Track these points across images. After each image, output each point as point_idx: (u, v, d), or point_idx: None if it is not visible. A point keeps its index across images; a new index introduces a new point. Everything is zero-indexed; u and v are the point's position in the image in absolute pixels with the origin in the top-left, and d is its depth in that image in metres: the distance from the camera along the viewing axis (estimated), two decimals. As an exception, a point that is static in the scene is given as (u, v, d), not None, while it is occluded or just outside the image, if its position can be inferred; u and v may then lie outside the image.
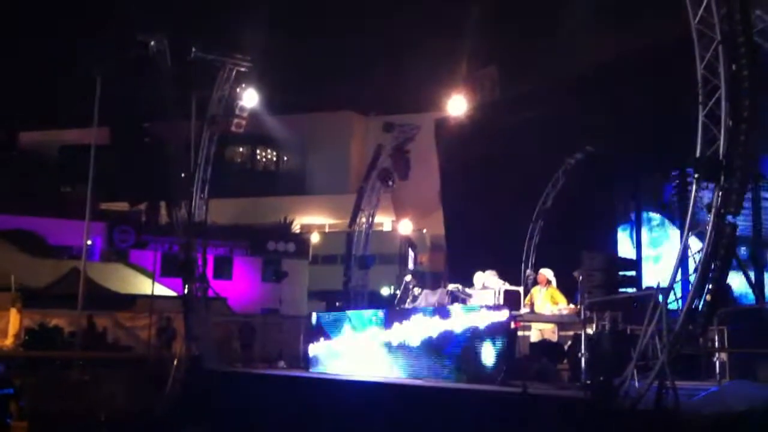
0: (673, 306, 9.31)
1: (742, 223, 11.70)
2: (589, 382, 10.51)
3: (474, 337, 12.12)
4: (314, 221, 44.40)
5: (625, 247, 17.30)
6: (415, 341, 13.22)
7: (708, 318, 9.07)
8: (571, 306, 12.99)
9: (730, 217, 8.82)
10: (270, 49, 21.92)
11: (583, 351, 10.98)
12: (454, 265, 22.05)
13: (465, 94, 19.30)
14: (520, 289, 13.93)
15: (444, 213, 24.25)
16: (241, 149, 46.94)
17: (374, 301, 22.85)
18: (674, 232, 15.28)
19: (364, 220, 21.68)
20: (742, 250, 13.37)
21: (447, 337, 12.60)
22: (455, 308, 13.05)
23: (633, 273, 13.04)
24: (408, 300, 15.40)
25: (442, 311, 13.03)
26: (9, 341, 20.82)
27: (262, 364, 18.70)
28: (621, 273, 12.44)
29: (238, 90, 19.24)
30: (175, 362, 18.31)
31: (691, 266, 9.10)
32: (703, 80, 9.44)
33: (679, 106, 10.65)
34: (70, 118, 40.65)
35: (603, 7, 16.15)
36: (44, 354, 19.73)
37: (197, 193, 19.40)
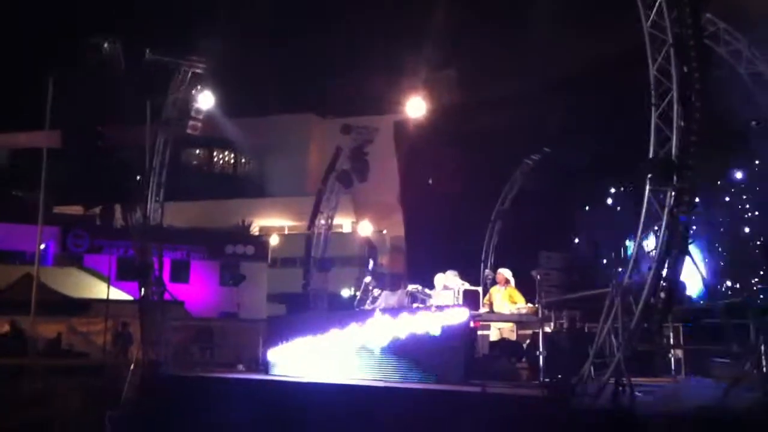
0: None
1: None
2: (547, 380, 10.64)
3: (434, 337, 12.13)
4: (273, 224, 44.13)
5: (582, 247, 17.56)
6: (376, 343, 13.21)
7: (663, 315, 9.24)
8: (530, 305, 13.11)
9: (682, 217, 9.00)
10: (226, 51, 21.71)
11: (541, 349, 11.09)
12: (414, 266, 22.18)
13: (424, 97, 19.34)
14: (479, 289, 14.02)
15: (403, 214, 24.36)
16: (197, 152, 46.43)
17: (334, 303, 22.79)
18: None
19: (323, 222, 21.63)
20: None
21: (407, 339, 12.60)
22: (415, 309, 13.06)
23: (590, 272, 13.21)
24: (368, 301, 15.39)
25: (401, 312, 13.03)
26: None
27: (220, 369, 18.51)
28: (578, 272, 12.61)
29: (193, 92, 19.01)
30: (132, 367, 18.02)
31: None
32: (656, 82, 9.63)
33: (634, 109, 10.83)
34: (21, 122, 39.74)
35: (562, 14, 16.35)
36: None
37: (153, 197, 19.14)
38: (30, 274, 22.62)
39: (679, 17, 9.48)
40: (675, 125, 9.21)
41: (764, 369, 10.59)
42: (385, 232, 38.86)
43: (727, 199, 15.50)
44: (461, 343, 11.86)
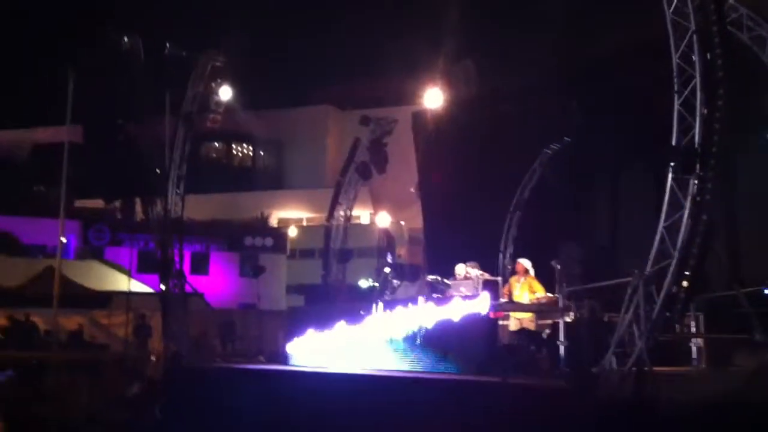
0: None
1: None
2: (568, 370, 10.60)
3: (455, 327, 12.15)
4: (292, 216, 44.27)
5: (603, 236, 17.43)
6: (398, 334, 13.23)
7: (685, 305, 9.19)
8: (549, 295, 13.06)
9: (705, 205, 8.93)
10: (245, 44, 21.80)
11: (561, 339, 11.06)
12: (432, 257, 22.08)
13: (442, 88, 19.28)
14: (499, 279, 13.99)
15: (422, 205, 24.26)
16: (216, 145, 46.62)
17: (353, 294, 22.86)
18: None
19: (342, 213, 21.67)
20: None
21: (429, 329, 12.62)
22: (436, 299, 13.08)
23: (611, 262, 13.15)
24: (387, 292, 15.43)
25: (423, 302, 13.04)
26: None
27: (241, 360, 18.63)
28: (598, 262, 12.56)
29: (213, 86, 19.12)
30: (154, 359, 18.20)
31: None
32: (679, 70, 9.55)
33: (657, 98, 10.74)
34: (42, 117, 40.07)
35: (581, 5, 16.21)
36: (19, 355, 19.47)
37: (173, 190, 19.27)
38: (52, 267, 22.84)
39: (702, 4, 9.39)
40: (698, 113, 9.13)
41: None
42: (403, 223, 38.85)
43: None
44: (482, 333, 11.86)
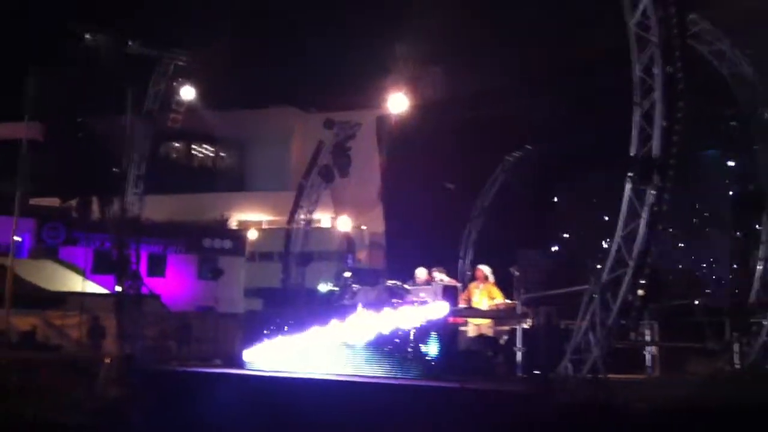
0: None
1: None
2: (524, 376, 10.69)
3: (415, 332, 12.15)
4: (253, 218, 43.89)
5: (562, 244, 17.64)
6: (357, 339, 13.18)
7: (640, 313, 9.32)
8: (508, 301, 13.16)
9: (662, 215, 9.07)
10: (209, 43, 21.57)
11: (519, 345, 11.14)
12: (393, 262, 22.13)
13: (407, 93, 19.33)
14: (459, 284, 14.05)
15: (384, 210, 24.29)
16: (177, 145, 46.05)
17: (312, 298, 22.73)
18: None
19: (303, 217, 21.55)
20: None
21: (388, 334, 12.60)
22: (395, 304, 13.06)
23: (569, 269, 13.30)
24: (347, 297, 15.37)
25: (383, 307, 13.01)
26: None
27: (197, 363, 18.39)
28: (557, 269, 12.71)
29: (174, 85, 18.92)
30: (108, 361, 17.86)
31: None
32: (640, 82, 9.69)
33: (619, 108, 10.89)
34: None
35: (547, 14, 16.38)
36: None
37: (131, 189, 19.01)
38: (4, 266, 22.33)
39: (664, 17, 9.54)
40: (657, 124, 9.28)
41: (738, 366, 10.76)
42: (365, 227, 38.79)
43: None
44: (441, 339, 11.88)
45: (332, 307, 15.08)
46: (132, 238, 18.92)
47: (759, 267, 12.82)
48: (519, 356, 11.25)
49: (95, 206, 30.38)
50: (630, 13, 9.78)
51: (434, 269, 14.02)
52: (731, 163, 13.78)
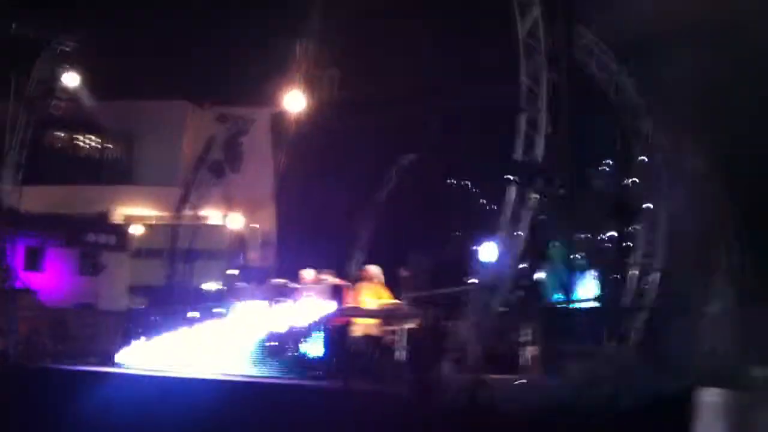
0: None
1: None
2: (407, 377, 10.73)
3: (300, 331, 12.04)
4: (140, 213, 42.46)
5: (451, 246, 17.89)
6: (241, 337, 12.93)
7: (520, 314, 9.53)
8: (395, 302, 13.20)
9: (543, 219, 9.32)
10: (99, 29, 20.76)
11: (403, 345, 11.19)
12: (284, 262, 21.91)
13: (304, 92, 19.21)
14: (348, 284, 14.00)
15: (276, 209, 24.04)
16: (61, 135, 44.00)
17: (198, 297, 22.21)
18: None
19: (190, 212, 21.03)
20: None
21: (273, 333, 12.44)
22: (281, 302, 12.90)
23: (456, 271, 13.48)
24: (232, 295, 15.08)
25: (268, 305, 12.84)
26: None
27: (72, 361, 17.61)
28: (444, 270, 12.85)
29: (59, 71, 18.13)
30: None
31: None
32: (527, 90, 9.95)
33: (508, 114, 11.13)
34: None
35: (440, 19, 16.64)
36: None
37: (9, 178, 18.11)
38: None
39: (552, 29, 9.83)
40: (542, 131, 9.54)
41: (613, 370, 11.13)
42: (257, 226, 38.23)
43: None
44: (327, 338, 11.80)
45: (217, 304, 14.75)
46: (6, 230, 18.01)
47: (633, 272, 13.40)
48: (403, 356, 11.29)
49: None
50: (520, 23, 10.03)
51: (323, 272, 13.94)
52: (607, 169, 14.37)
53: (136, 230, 37.98)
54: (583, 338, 10.15)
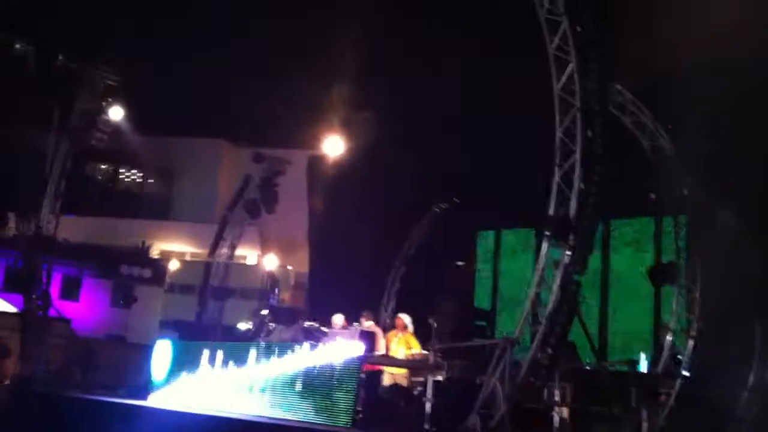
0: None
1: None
2: (433, 428, 10.57)
3: (327, 375, 11.92)
4: (176, 248, 42.93)
5: (483, 297, 17.79)
6: (270, 378, 12.84)
7: (550, 372, 9.37)
8: (424, 352, 13.07)
9: (575, 276, 9.22)
10: (143, 66, 21.28)
11: (428, 396, 11.05)
12: (315, 304, 21.90)
13: (342, 136, 19.43)
14: (378, 331, 13.91)
15: (309, 251, 24.13)
16: (103, 167, 44.92)
17: (228, 335, 22.26)
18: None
19: (225, 250, 21.20)
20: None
21: (302, 375, 12.33)
22: (311, 345, 12.83)
23: (485, 323, 13.34)
24: (262, 335, 15.08)
25: (298, 347, 12.76)
26: None
27: (100, 391, 17.68)
28: (474, 322, 12.73)
29: (103, 104, 18.52)
30: (7, 382, 17.09)
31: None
32: (561, 144, 9.93)
33: (542, 166, 11.12)
34: None
35: (479, 64, 16.75)
36: None
37: (48, 207, 18.42)
38: None
39: (587, 84, 9.84)
40: (575, 186, 9.49)
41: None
42: (291, 267, 38.37)
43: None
44: (355, 385, 11.69)
45: (247, 344, 14.72)
46: (44, 257, 18.26)
47: (669, 338, 13.13)
48: (428, 407, 11.13)
49: (12, 222, 29.32)
50: (556, 77, 10.07)
51: (363, 313, 13.90)
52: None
53: (171, 265, 38.40)
54: (614, 402, 9.92)
